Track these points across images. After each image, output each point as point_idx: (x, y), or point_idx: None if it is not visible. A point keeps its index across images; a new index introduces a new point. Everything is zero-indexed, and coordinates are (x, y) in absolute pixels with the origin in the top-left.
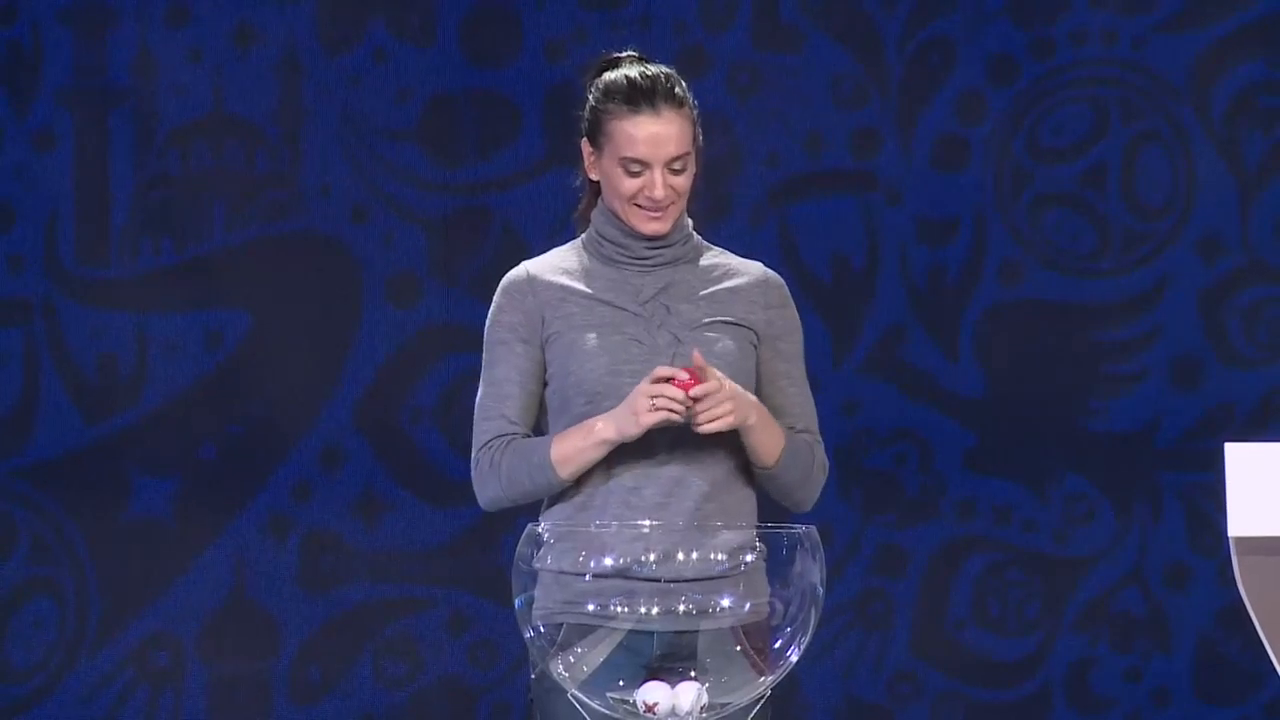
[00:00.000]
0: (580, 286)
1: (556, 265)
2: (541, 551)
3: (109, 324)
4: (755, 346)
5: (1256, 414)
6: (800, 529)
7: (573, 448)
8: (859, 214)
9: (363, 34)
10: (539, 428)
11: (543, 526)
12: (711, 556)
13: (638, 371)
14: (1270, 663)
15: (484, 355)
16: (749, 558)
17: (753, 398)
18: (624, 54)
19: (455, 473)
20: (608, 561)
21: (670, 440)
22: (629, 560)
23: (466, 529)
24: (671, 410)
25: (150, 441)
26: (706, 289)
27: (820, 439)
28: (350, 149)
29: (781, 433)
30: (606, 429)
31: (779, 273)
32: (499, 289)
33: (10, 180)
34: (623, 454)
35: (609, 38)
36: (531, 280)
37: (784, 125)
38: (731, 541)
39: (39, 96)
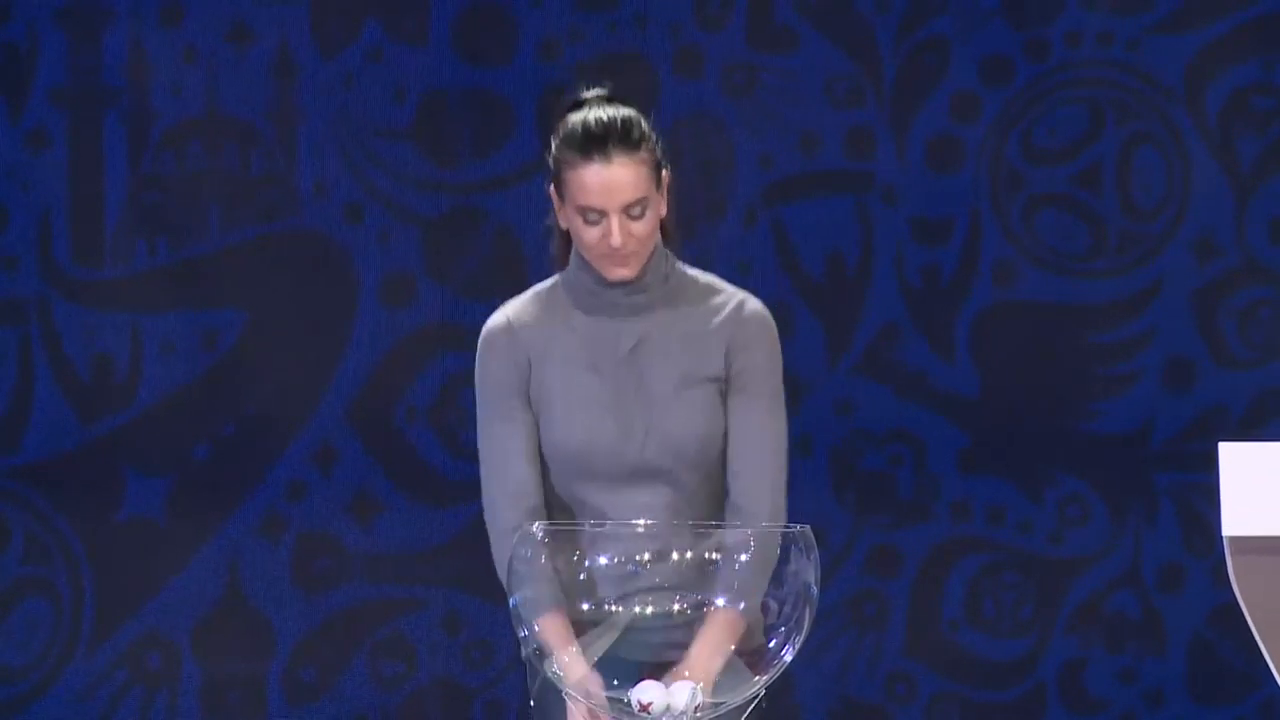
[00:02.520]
0: (558, 344)
1: (536, 314)
2: (536, 551)
3: (103, 324)
4: (725, 395)
5: (1251, 415)
6: (795, 529)
7: (550, 649)
8: (853, 214)
9: (357, 33)
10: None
11: (537, 526)
12: (706, 555)
13: (610, 449)
14: (1265, 663)
15: (479, 409)
16: (743, 557)
17: (709, 664)
18: (590, 94)
19: (450, 473)
20: (602, 561)
21: (647, 500)
22: (623, 559)
23: (461, 528)
24: None
25: (145, 441)
26: (683, 339)
27: (776, 507)
28: (345, 148)
29: (733, 630)
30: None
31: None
32: (481, 342)
33: (4, 180)
34: (589, 508)
35: (604, 37)
36: (511, 330)
37: (778, 125)
38: (726, 541)
39: (33, 96)
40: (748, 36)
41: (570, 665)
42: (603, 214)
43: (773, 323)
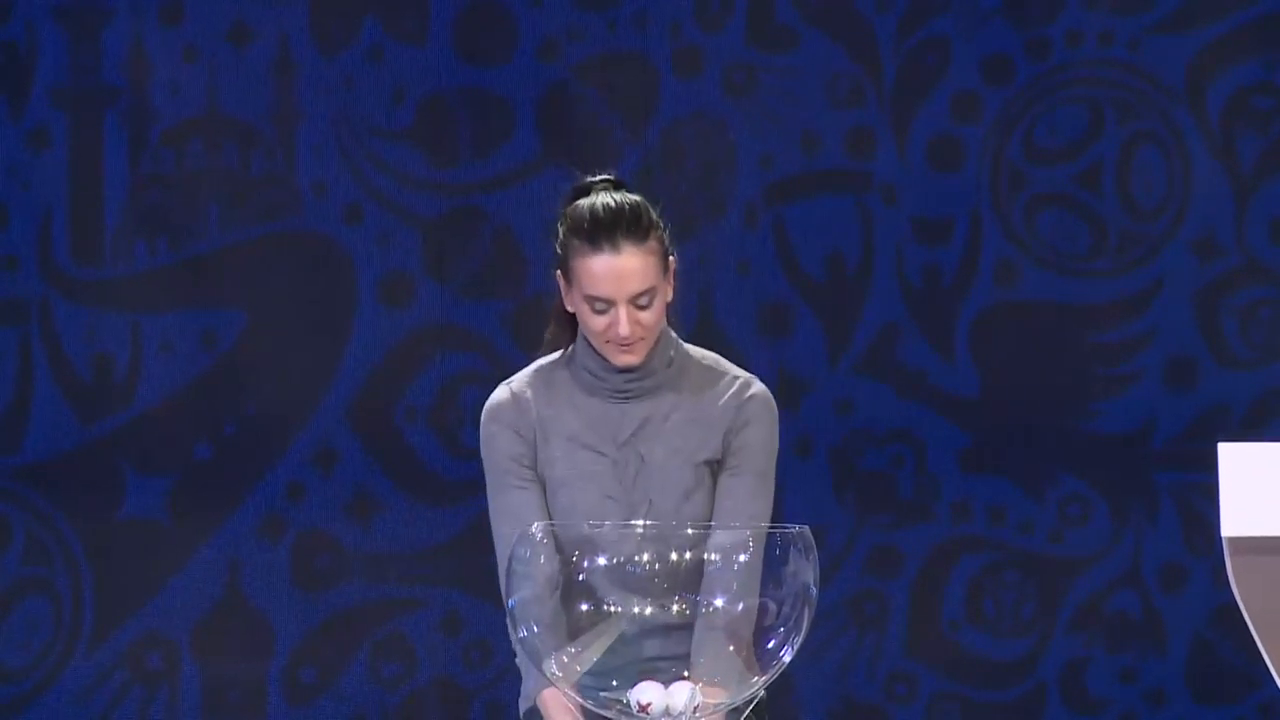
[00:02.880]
0: (562, 424)
1: (540, 390)
2: (535, 551)
3: (104, 324)
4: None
5: (1252, 415)
6: (794, 529)
7: (543, 706)
8: (854, 214)
9: (357, 33)
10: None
11: (536, 527)
12: (705, 556)
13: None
14: (1264, 663)
15: (490, 480)
16: (742, 557)
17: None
18: (598, 179)
19: (449, 473)
20: (601, 561)
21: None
22: (622, 560)
23: (460, 529)
24: None
25: (145, 441)
26: (685, 423)
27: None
28: (345, 148)
29: (736, 665)
30: None
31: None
32: (487, 415)
33: (5, 180)
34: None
35: (604, 37)
36: (518, 404)
37: (779, 125)
38: (725, 541)
39: (33, 96)
40: (748, 36)
41: None
42: (610, 303)
43: (774, 406)
